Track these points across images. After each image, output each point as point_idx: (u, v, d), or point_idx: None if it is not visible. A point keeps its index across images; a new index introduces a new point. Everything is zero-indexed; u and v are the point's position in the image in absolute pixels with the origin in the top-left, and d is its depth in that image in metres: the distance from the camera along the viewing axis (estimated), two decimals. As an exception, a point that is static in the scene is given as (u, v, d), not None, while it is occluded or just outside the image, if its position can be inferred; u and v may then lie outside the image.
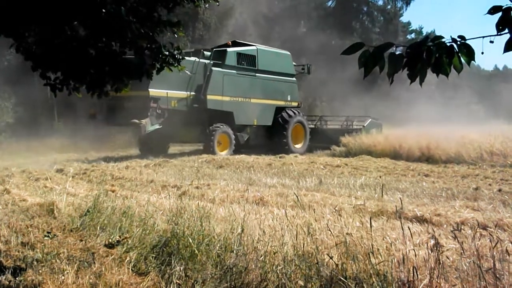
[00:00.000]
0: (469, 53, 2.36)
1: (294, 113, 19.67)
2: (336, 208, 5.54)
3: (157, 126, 15.73)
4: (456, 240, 3.39)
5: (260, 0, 34.71)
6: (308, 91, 33.73)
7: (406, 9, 63.59)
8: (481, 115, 38.10)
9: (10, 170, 11.80)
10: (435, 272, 3.17)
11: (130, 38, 3.83)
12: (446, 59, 2.36)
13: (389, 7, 50.19)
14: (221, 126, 17.10)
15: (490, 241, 3.31)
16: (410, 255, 3.36)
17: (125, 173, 11.50)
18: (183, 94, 16.42)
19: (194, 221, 4.70)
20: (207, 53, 17.32)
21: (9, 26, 3.62)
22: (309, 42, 35.77)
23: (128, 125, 15.55)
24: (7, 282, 3.84)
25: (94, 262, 4.15)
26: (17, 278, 3.90)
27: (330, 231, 4.07)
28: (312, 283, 3.47)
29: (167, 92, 15.77)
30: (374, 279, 3.27)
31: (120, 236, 4.83)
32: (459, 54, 2.36)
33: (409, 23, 54.12)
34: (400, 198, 6.54)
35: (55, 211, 6.09)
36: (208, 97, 16.87)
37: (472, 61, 2.37)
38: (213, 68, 17.08)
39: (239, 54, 18.10)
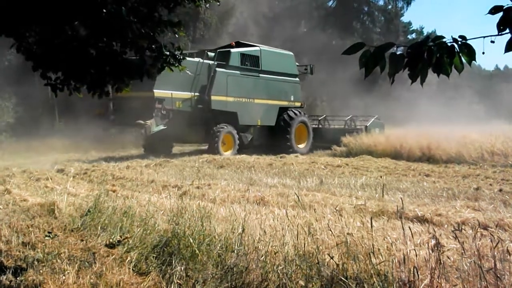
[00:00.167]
0: (470, 53, 2.35)
1: (297, 113, 19.73)
2: (337, 208, 5.54)
3: (162, 127, 15.82)
4: (457, 240, 3.39)
5: (261, 0, 34.73)
6: (308, 91, 33.69)
7: (406, 9, 63.59)
8: (482, 115, 38.03)
9: (11, 170, 11.81)
10: (436, 272, 3.17)
11: (130, 38, 3.83)
12: (447, 59, 2.36)
13: (389, 7, 50.15)
14: (226, 127, 17.16)
15: (491, 241, 3.31)
16: (411, 255, 3.35)
17: (126, 173, 11.50)
18: (187, 94, 16.50)
19: (195, 221, 4.70)
20: (211, 54, 17.39)
21: (9, 26, 3.62)
22: (309, 42, 35.76)
23: (133, 125, 15.62)
24: (8, 282, 3.84)
25: (95, 262, 4.15)
26: (18, 278, 3.90)
27: (331, 231, 4.07)
28: (313, 283, 3.47)
29: (171, 93, 15.88)
30: (375, 279, 3.27)
31: (121, 236, 4.83)
32: (460, 54, 2.36)
33: (410, 23, 54.15)
34: (401, 198, 6.54)
35: (56, 211, 6.09)
36: (212, 97, 16.94)
37: (473, 61, 2.36)
38: (217, 69, 17.17)
39: (242, 55, 18.18)
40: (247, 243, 4.10)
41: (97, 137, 19.48)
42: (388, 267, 3.32)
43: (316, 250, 3.76)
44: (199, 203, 5.93)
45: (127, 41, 3.87)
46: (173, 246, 4.32)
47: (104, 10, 3.62)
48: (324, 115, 23.16)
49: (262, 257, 3.80)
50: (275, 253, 3.89)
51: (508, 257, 3.16)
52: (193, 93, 16.64)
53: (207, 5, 4.64)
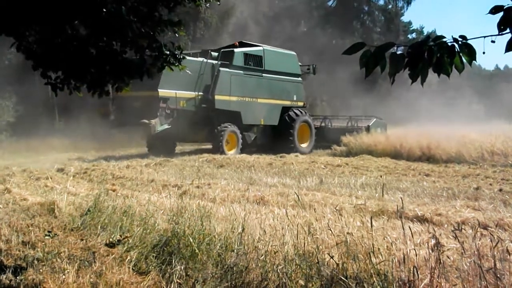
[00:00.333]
0: (471, 53, 2.35)
1: (300, 112, 19.80)
2: (337, 208, 5.54)
3: (166, 126, 15.89)
4: (457, 239, 3.39)
5: (261, -1, 34.75)
6: (308, 91, 33.70)
7: (407, 9, 63.68)
8: (482, 115, 38.06)
9: (11, 169, 11.81)
10: (435, 271, 3.17)
11: (130, 38, 3.83)
12: (447, 59, 2.36)
13: (390, 6, 50.16)
14: (229, 126, 17.21)
15: (491, 240, 3.31)
16: (410, 255, 3.35)
17: (126, 173, 11.51)
18: (191, 94, 16.56)
19: (194, 220, 4.70)
20: (215, 54, 17.47)
21: (10, 25, 3.62)
22: (309, 41, 35.75)
23: (137, 125, 15.65)
24: (8, 281, 3.84)
25: (94, 262, 4.15)
26: (17, 277, 3.90)
27: (331, 230, 4.07)
28: (313, 283, 3.47)
29: (175, 93, 15.94)
30: (374, 279, 3.27)
31: (120, 236, 4.83)
32: (461, 54, 2.36)
33: (410, 23, 54.16)
34: (400, 198, 6.53)
35: (55, 210, 6.08)
36: (216, 97, 17.00)
37: (474, 61, 2.36)
38: (221, 69, 17.23)
39: (246, 55, 18.25)
40: (247, 242, 4.10)
41: (97, 136, 19.50)
42: (388, 267, 3.32)
43: (316, 250, 3.76)
44: (199, 202, 5.94)
45: (127, 40, 3.87)
46: (173, 245, 4.32)
47: (104, 10, 3.62)
48: (325, 116, 23.19)
49: (262, 257, 3.80)
50: (275, 253, 3.89)
51: (508, 257, 3.16)
52: (197, 93, 16.70)
53: (207, 5, 4.64)
